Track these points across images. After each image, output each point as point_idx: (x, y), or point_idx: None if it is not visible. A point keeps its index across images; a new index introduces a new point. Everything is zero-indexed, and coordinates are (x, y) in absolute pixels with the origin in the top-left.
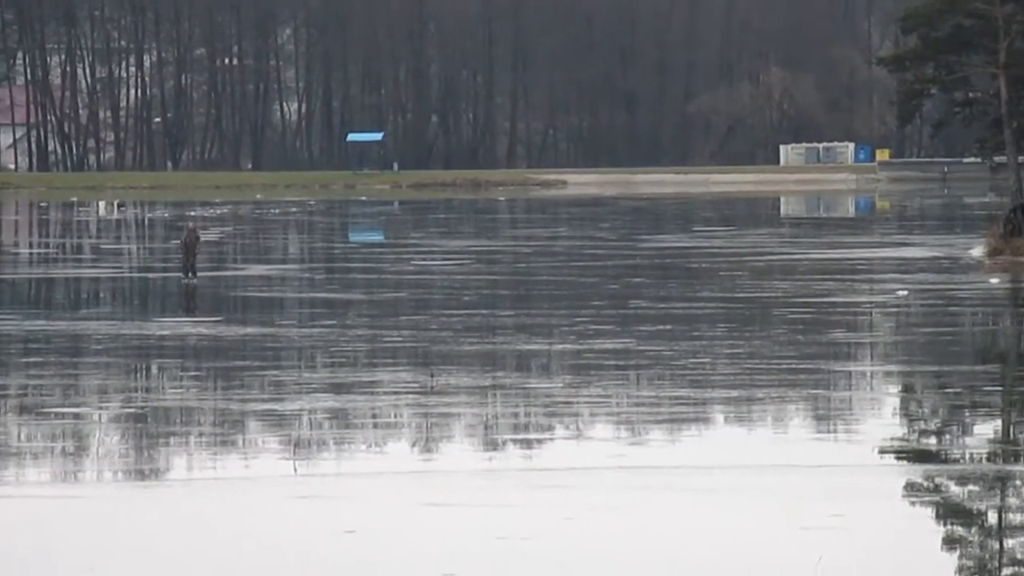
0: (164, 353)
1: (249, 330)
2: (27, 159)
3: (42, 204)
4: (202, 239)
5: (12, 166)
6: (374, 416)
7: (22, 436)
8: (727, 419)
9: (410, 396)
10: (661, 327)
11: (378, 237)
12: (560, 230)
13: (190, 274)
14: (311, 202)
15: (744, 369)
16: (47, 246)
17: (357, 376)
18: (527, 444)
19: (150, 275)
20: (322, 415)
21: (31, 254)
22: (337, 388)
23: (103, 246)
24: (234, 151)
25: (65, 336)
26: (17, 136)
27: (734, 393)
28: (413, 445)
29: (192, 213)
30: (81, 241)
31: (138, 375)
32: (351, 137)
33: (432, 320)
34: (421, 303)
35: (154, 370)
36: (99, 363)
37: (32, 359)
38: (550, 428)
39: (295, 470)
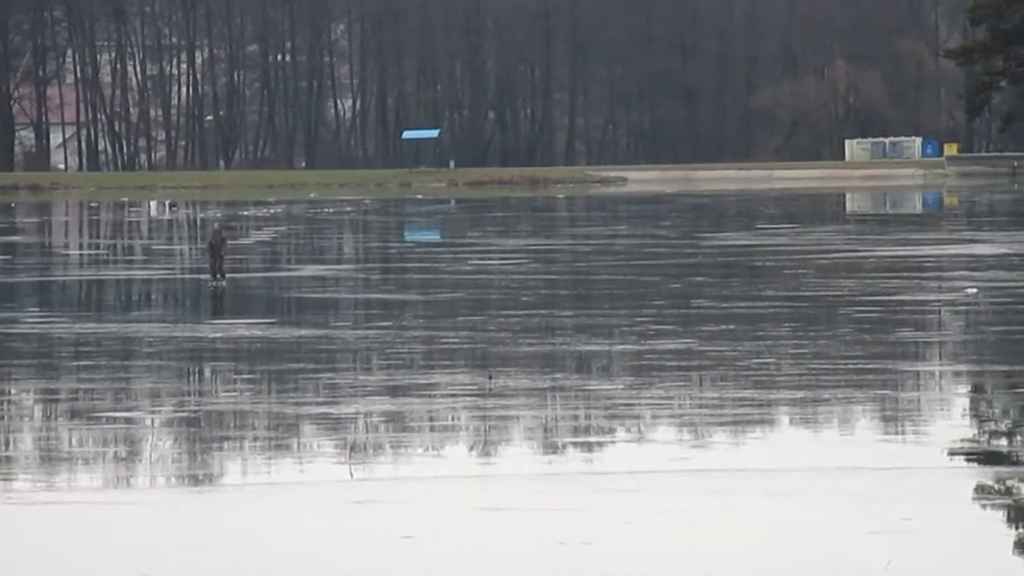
0: (217, 356)
1: (303, 332)
2: (77, 159)
3: (92, 204)
4: (228, 240)
5: (62, 166)
6: (431, 419)
7: (73, 441)
8: (792, 421)
9: (468, 399)
10: (724, 327)
11: (434, 236)
12: (620, 228)
13: (218, 276)
14: (366, 201)
15: (809, 369)
16: (98, 247)
17: (414, 378)
18: (587, 447)
19: (202, 276)
20: (378, 418)
21: (81, 255)
22: (393, 391)
23: (154, 247)
24: (287, 149)
25: (116, 339)
26: (67, 135)
27: (799, 394)
28: (471, 448)
29: (217, 214)
30: (132, 242)
31: (191, 378)
32: (406, 134)
33: (490, 321)
34: (479, 304)
35: (207, 373)
36: (151, 366)
37: (83, 362)
38: (611, 431)
39: (351, 475)
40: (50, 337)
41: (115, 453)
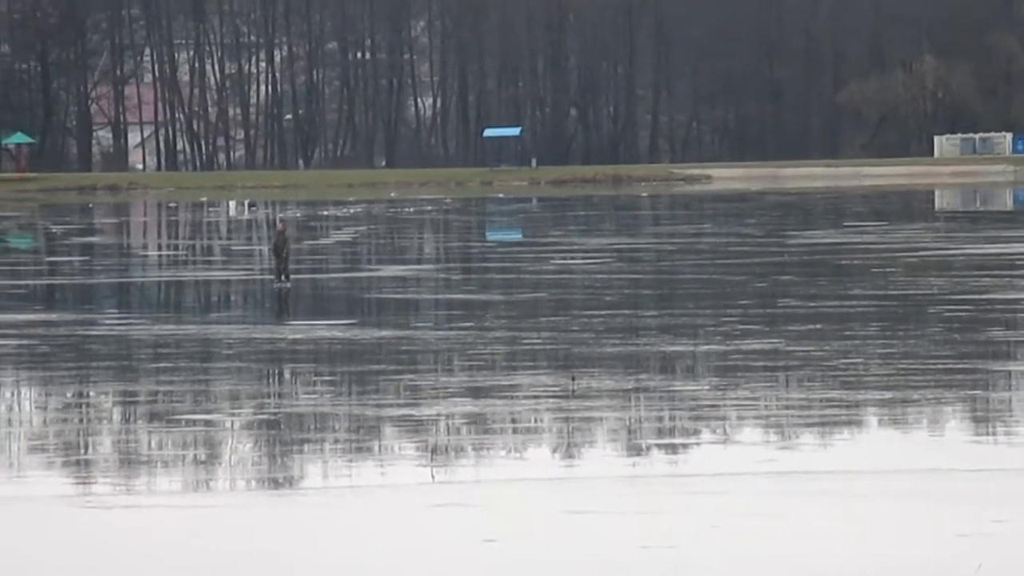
0: (297, 357)
1: (384, 333)
2: (155, 159)
3: (171, 204)
4: (291, 241)
5: (140, 166)
6: (513, 421)
7: (152, 444)
8: (880, 422)
9: (550, 400)
10: (811, 327)
11: (516, 235)
12: (705, 226)
13: (283, 278)
14: (447, 200)
15: (898, 370)
16: (176, 248)
17: (495, 380)
18: (672, 449)
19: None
20: (460, 420)
21: (160, 256)
22: (475, 392)
23: (233, 247)
24: (367, 148)
25: (195, 340)
26: (145, 135)
27: (888, 395)
28: (554, 450)
29: (282, 215)
30: (211, 242)
31: (271, 380)
32: (487, 132)
33: (573, 321)
34: (561, 304)
35: (287, 375)
36: (230, 368)
37: (162, 364)
38: (696, 432)
39: (433, 477)
40: (127, 338)
41: (194, 456)
